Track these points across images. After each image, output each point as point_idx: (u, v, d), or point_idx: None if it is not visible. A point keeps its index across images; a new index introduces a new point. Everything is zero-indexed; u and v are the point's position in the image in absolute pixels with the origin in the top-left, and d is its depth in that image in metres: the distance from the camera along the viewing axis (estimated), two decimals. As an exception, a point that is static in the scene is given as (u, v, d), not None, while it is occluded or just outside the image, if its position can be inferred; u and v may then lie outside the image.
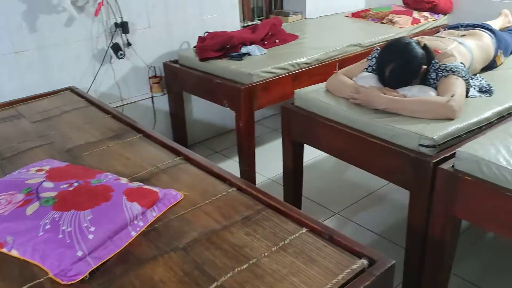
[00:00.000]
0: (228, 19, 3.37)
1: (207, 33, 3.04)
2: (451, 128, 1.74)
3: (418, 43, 1.98)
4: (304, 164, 2.36)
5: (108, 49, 2.80)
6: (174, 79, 3.01)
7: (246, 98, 2.53)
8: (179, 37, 3.12)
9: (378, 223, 2.45)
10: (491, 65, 2.37)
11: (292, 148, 2.25)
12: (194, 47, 2.93)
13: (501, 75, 2.30)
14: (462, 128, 1.76)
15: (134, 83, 3.00)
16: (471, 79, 2.16)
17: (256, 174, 2.83)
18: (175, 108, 3.14)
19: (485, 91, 2.06)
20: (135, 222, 1.31)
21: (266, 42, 3.00)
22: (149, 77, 3.04)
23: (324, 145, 2.10)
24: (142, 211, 1.34)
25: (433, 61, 1.96)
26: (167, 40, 3.06)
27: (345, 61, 2.91)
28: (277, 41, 3.06)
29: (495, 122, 1.89)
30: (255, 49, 2.86)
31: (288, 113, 2.19)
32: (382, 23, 3.60)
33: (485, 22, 2.86)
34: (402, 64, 1.91)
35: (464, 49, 2.12)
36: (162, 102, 3.13)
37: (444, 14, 3.69)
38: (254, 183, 2.75)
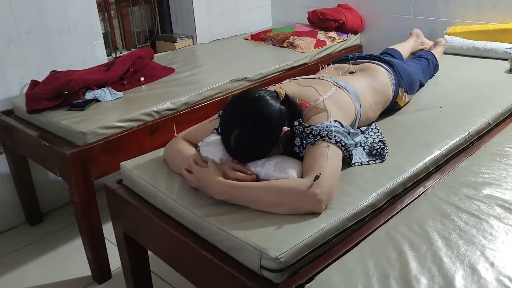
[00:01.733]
0: (90, 50, 2.69)
1: (52, 72, 2.37)
2: (312, 232, 1.14)
3: (277, 95, 1.39)
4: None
5: None
6: (8, 135, 2.31)
7: (78, 166, 1.87)
8: (17, 79, 2.42)
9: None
10: (392, 108, 1.83)
11: (126, 242, 1.61)
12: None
13: (401, 122, 1.75)
14: (330, 231, 1.17)
15: (-47, 144, 2.28)
16: (362, 134, 1.60)
17: (114, 256, 2.17)
18: (18, 170, 2.41)
19: (376, 153, 1.49)
20: None
21: (126, 82, 2.36)
22: (-25, 134, 2.33)
23: (155, 248, 1.47)
24: None
25: (295, 122, 1.38)
26: (-1, 84, 2.37)
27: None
28: (142, 79, 2.42)
29: (384, 206, 1.32)
30: (105, 94, 2.21)
31: (113, 196, 1.56)
32: (283, 46, 3.03)
33: (390, 47, 2.34)
34: (250, 130, 1.31)
35: (346, 97, 1.54)
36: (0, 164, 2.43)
37: (354, 33, 3.16)
38: (108, 271, 2.08)
